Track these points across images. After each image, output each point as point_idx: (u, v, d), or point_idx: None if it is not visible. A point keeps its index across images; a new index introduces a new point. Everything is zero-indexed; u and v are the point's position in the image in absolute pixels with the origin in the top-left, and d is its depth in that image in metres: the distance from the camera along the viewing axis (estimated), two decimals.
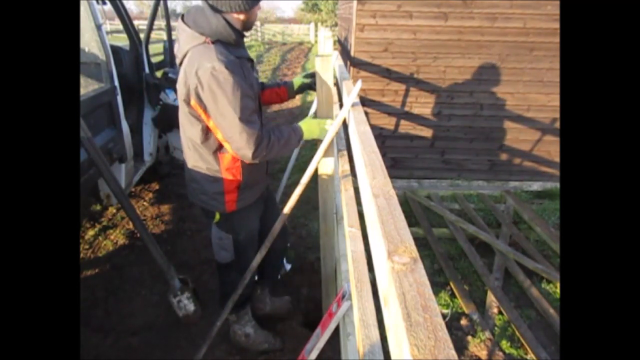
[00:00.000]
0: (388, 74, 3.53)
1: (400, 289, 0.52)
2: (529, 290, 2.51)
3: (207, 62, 1.37)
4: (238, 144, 1.48)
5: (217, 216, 1.77)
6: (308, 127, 1.69)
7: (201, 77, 1.38)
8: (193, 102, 1.46)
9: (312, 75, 1.89)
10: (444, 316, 2.33)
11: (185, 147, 1.67)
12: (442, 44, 3.42)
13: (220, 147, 1.61)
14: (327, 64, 1.72)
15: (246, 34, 1.62)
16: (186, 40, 1.46)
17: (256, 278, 2.17)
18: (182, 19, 1.48)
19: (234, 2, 1.42)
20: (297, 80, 1.92)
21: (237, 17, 1.47)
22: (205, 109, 1.46)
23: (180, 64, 1.52)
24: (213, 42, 1.42)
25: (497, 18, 3.32)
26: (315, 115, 1.80)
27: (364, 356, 0.85)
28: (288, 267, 2.75)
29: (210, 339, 1.96)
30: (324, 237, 2.04)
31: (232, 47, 1.48)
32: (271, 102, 1.99)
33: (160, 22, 5.32)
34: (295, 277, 2.68)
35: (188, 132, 1.60)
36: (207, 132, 1.56)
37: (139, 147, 3.44)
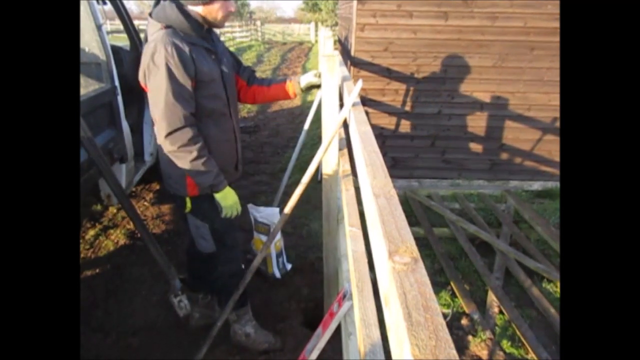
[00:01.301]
0: (388, 73, 3.53)
1: (401, 289, 0.52)
2: (529, 290, 2.51)
3: (152, 42, 1.49)
4: (158, 120, 1.53)
5: (188, 204, 1.75)
6: (229, 192, 1.73)
7: (145, 55, 1.50)
8: (140, 77, 1.56)
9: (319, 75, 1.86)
10: (444, 316, 2.33)
11: (155, 130, 1.68)
12: (443, 43, 3.42)
13: None
14: (332, 63, 1.72)
15: (218, 30, 1.72)
16: (149, 29, 1.58)
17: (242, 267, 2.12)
18: (150, 14, 1.60)
19: None
20: (305, 78, 1.88)
21: (196, 11, 1.56)
22: (145, 85, 1.55)
23: None
24: (165, 27, 1.51)
25: (497, 17, 3.32)
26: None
27: (365, 356, 0.85)
28: (289, 266, 2.75)
29: (211, 339, 1.96)
30: (327, 237, 2.03)
31: (186, 34, 1.55)
32: (278, 98, 1.98)
33: None
34: (295, 277, 2.68)
35: (152, 112, 1.63)
36: None
37: (140, 147, 3.44)
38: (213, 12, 1.57)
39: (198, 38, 1.59)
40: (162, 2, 1.59)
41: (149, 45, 1.50)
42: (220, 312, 2.03)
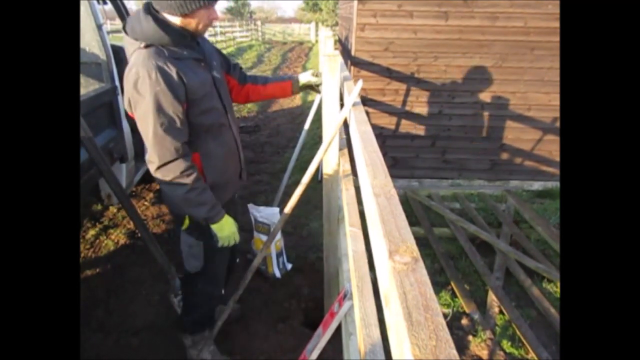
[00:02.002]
0: (389, 73, 3.53)
1: (402, 289, 0.52)
2: (529, 290, 2.51)
3: (134, 67, 1.32)
4: (149, 153, 1.42)
5: (187, 221, 1.65)
6: (226, 223, 1.62)
7: (128, 83, 1.34)
8: (126, 105, 1.42)
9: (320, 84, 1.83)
10: (444, 316, 2.33)
11: (146, 159, 1.59)
12: (443, 43, 3.42)
13: None
14: (334, 63, 1.71)
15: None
16: (127, 47, 1.41)
17: (222, 292, 2.04)
18: (124, 27, 1.41)
19: (164, 3, 1.32)
20: (304, 77, 1.85)
21: (173, 21, 1.37)
22: (132, 114, 1.41)
23: None
24: (146, 47, 1.34)
25: (497, 17, 3.32)
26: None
27: (365, 355, 0.85)
28: (289, 266, 2.75)
29: (212, 338, 1.96)
30: (327, 237, 2.03)
31: (168, 49, 1.37)
32: (275, 96, 1.92)
33: None
34: (296, 277, 2.68)
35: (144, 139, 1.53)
36: None
37: (140, 147, 3.43)
38: (192, 23, 1.39)
39: (183, 49, 1.42)
40: (136, 12, 1.41)
41: (131, 71, 1.33)
42: (221, 311, 2.03)
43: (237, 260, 2.25)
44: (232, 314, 2.24)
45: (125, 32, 1.40)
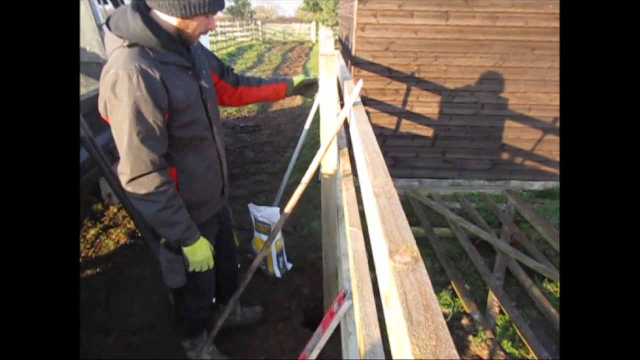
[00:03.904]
0: (389, 73, 3.53)
1: (402, 289, 0.52)
2: (530, 290, 2.51)
3: (113, 68, 1.19)
4: (121, 163, 1.29)
5: None
6: (199, 247, 1.49)
7: (106, 84, 1.21)
8: (100, 108, 1.29)
9: (314, 83, 1.84)
10: (445, 316, 2.33)
11: (117, 170, 1.48)
12: (444, 43, 3.41)
13: None
14: (331, 63, 1.72)
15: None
16: (108, 44, 1.29)
17: (214, 301, 2.01)
18: (107, 22, 1.30)
19: (169, 4, 1.21)
20: (298, 79, 1.83)
21: (168, 22, 1.27)
22: (107, 118, 1.29)
23: None
24: (130, 46, 1.22)
25: (498, 17, 3.31)
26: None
27: (365, 356, 0.85)
28: (289, 266, 2.75)
29: (212, 338, 1.96)
30: (327, 237, 2.03)
31: (155, 52, 1.26)
32: (268, 99, 1.85)
33: None
34: (296, 277, 2.68)
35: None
36: None
37: None
38: (191, 27, 1.28)
39: (170, 54, 1.30)
40: (123, 8, 1.27)
41: (109, 72, 1.20)
42: (222, 310, 2.03)
43: (239, 265, 2.24)
44: (251, 319, 2.28)
45: (108, 28, 1.27)
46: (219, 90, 1.70)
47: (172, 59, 1.31)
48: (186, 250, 1.48)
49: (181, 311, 1.87)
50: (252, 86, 1.78)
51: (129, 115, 1.21)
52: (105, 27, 1.30)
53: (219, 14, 1.46)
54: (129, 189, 1.31)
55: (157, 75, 1.23)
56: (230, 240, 1.96)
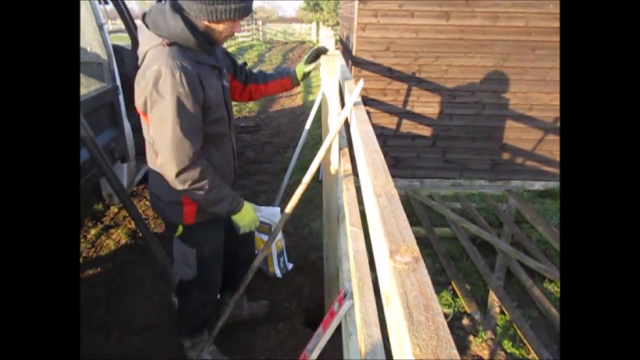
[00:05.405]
0: (390, 73, 3.53)
1: (402, 288, 0.52)
2: (530, 290, 2.51)
3: (155, 64, 1.25)
4: (165, 157, 1.36)
5: (180, 229, 1.62)
6: (246, 211, 1.62)
7: (147, 80, 1.27)
8: (139, 104, 1.35)
9: (315, 57, 1.81)
10: (445, 316, 2.33)
11: (147, 143, 1.54)
12: (444, 43, 3.41)
13: None
14: (332, 63, 1.71)
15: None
16: (144, 41, 1.35)
17: (218, 296, 2.05)
18: (143, 19, 1.36)
19: (194, 5, 1.28)
20: (300, 69, 1.83)
21: (202, 22, 1.34)
22: (145, 113, 1.35)
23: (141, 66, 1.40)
24: (169, 44, 1.29)
25: (499, 17, 3.31)
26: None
27: (365, 355, 0.85)
28: (289, 266, 2.75)
29: (212, 338, 1.97)
30: (327, 237, 2.03)
31: (192, 51, 1.34)
32: (276, 93, 1.93)
33: None
34: (296, 277, 2.68)
35: (145, 129, 1.46)
36: None
37: (141, 147, 3.44)
38: (217, 31, 1.36)
39: (204, 54, 1.39)
40: (159, 6, 1.33)
41: (151, 68, 1.26)
42: (225, 305, 2.03)
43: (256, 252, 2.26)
44: (258, 313, 2.30)
45: (146, 26, 1.33)
46: (231, 89, 1.76)
47: (205, 58, 1.39)
48: (235, 217, 1.61)
49: (186, 306, 1.90)
50: (260, 83, 1.84)
51: (172, 110, 1.27)
52: (140, 24, 1.36)
53: None
54: (177, 181, 1.40)
55: (195, 73, 1.30)
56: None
